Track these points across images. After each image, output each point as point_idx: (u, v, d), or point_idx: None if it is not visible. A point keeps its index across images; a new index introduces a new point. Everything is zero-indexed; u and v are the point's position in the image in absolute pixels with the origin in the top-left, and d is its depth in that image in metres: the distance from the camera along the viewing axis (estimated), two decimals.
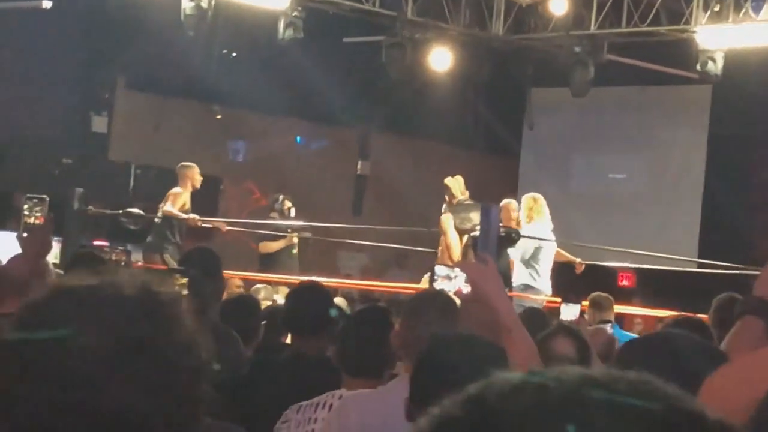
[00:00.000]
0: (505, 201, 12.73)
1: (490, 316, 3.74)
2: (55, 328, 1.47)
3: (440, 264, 12.95)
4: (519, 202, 12.96)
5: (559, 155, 18.99)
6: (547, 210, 12.57)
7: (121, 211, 12.69)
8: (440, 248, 12.92)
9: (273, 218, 13.72)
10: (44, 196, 5.52)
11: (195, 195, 13.31)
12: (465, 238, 12.07)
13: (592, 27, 14.63)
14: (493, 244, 9.88)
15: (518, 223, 12.45)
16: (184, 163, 13.25)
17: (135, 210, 12.85)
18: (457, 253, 12.23)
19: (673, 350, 2.36)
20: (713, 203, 17.49)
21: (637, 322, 14.66)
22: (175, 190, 13.02)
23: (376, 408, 3.86)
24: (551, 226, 12.63)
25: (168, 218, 12.82)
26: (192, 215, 13.05)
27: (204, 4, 13.04)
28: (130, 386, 1.47)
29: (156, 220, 12.98)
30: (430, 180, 18.64)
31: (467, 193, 12.58)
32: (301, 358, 4.86)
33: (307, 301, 5.09)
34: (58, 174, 15.67)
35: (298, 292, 5.24)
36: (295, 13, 13.81)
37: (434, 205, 14.86)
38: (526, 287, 11.94)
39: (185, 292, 4.01)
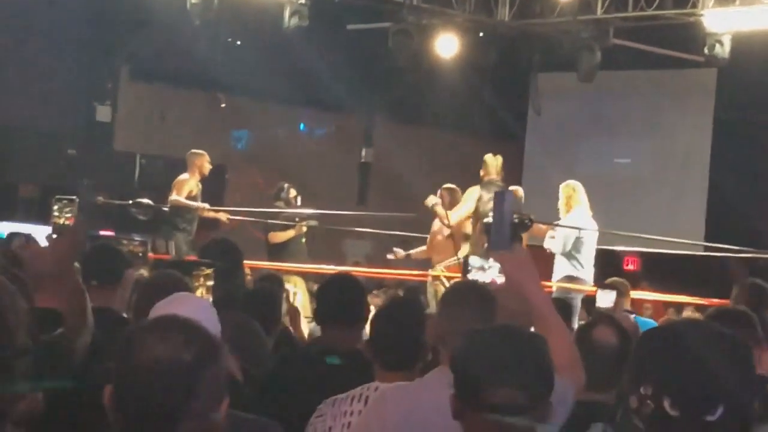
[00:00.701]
0: (512, 188, 12.63)
1: (524, 307, 3.72)
2: None
3: (427, 255, 12.95)
4: (522, 187, 12.86)
5: (565, 140, 18.95)
6: (585, 198, 12.31)
7: (131, 201, 12.65)
8: (430, 237, 12.84)
9: (279, 207, 13.67)
10: (74, 197, 5.47)
11: (201, 184, 13.29)
12: (477, 224, 11.98)
13: (599, 11, 14.55)
14: (506, 231, 9.78)
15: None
16: (193, 151, 13.25)
17: (145, 200, 12.82)
18: (453, 219, 12.06)
19: (690, 341, 2.33)
20: (719, 187, 17.47)
21: (647, 307, 14.67)
22: (182, 177, 13.02)
23: (415, 400, 3.83)
24: (590, 213, 12.42)
25: (177, 207, 12.80)
26: (202, 204, 13.05)
27: None
28: None
29: (165, 209, 12.95)
30: (435, 167, 18.62)
31: (501, 175, 12.42)
32: (333, 352, 4.82)
33: (342, 292, 5.05)
34: (63, 165, 15.62)
35: (331, 284, 5.19)
36: (301, 1, 13.75)
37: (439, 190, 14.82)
38: (570, 278, 11.72)
39: (210, 283, 3.98)
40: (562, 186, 12.39)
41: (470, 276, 8.24)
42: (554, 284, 11.58)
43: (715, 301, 10.78)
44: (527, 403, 2.79)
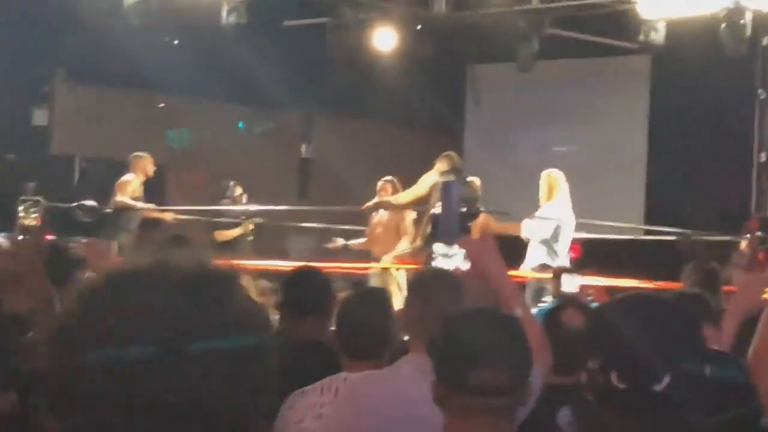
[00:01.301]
0: (470, 178, 12.67)
1: (489, 292, 3.76)
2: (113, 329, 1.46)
3: (366, 247, 12.99)
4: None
5: (504, 131, 19.04)
6: (566, 187, 12.35)
7: (75, 204, 12.58)
8: (370, 230, 12.87)
9: (225, 205, 13.64)
10: (39, 198, 5.42)
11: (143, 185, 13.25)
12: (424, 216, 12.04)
13: (534, 1, 14.67)
14: (454, 221, 9.89)
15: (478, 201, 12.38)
16: (136, 153, 13.22)
17: (89, 202, 12.74)
18: (400, 201, 12.08)
19: (634, 313, 2.38)
20: (656, 172, 17.66)
21: (590, 293, 14.77)
22: (125, 178, 12.98)
23: (386, 388, 3.86)
24: (570, 203, 12.45)
25: (120, 208, 12.75)
26: (147, 204, 13.04)
27: None
28: (186, 374, 1.45)
29: (108, 211, 12.90)
30: (375, 160, 18.64)
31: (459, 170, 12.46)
32: (296, 343, 4.83)
33: (307, 283, 5.07)
34: (1, 169, 15.46)
35: (297, 276, 5.21)
36: None
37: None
38: (544, 267, 11.71)
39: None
40: (544, 174, 12.40)
41: (434, 263, 8.30)
42: (528, 273, 11.59)
43: (660, 284, 10.90)
44: (510, 385, 2.82)
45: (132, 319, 1.47)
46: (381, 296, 4.73)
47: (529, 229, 11.99)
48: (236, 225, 13.41)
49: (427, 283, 3.93)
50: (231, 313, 1.53)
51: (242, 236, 13.41)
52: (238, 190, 13.71)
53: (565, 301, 5.14)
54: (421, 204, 12.31)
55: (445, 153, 12.59)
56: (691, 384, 2.25)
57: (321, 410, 4.21)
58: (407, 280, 8.27)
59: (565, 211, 12.18)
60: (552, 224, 11.88)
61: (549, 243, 11.91)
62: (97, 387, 1.43)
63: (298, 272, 5.33)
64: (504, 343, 2.92)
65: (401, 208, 12.29)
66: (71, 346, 1.47)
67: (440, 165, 12.33)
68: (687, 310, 2.49)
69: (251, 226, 13.52)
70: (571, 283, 8.00)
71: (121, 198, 12.75)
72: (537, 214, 12.12)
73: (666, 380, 2.23)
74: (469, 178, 12.37)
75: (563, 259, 12.01)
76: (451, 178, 11.75)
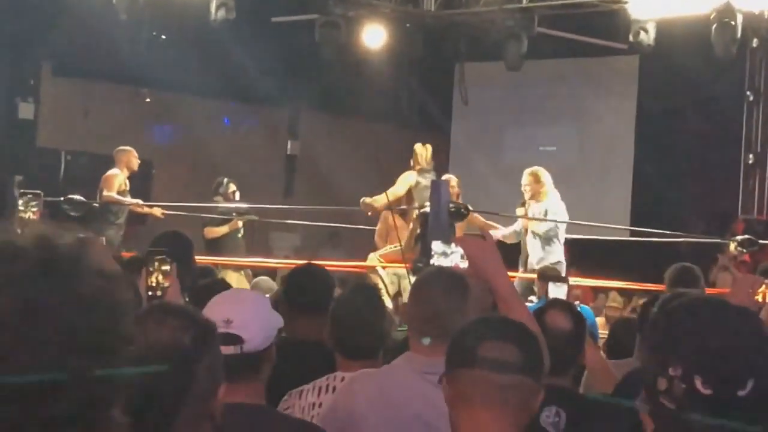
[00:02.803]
0: (446, 176, 12.66)
1: (487, 291, 3.73)
2: None
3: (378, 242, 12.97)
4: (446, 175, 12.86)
5: (491, 129, 19.04)
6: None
7: (62, 198, 12.52)
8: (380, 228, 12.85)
9: (217, 202, 13.63)
10: (39, 191, 5.34)
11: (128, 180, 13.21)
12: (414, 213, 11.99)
13: (524, 0, 14.65)
14: (444, 219, 9.87)
15: (458, 197, 12.35)
16: (120, 147, 13.17)
17: (77, 197, 12.68)
18: (380, 203, 12.09)
19: (711, 318, 2.38)
20: (643, 173, 17.67)
21: (575, 293, 14.78)
22: (111, 172, 12.94)
23: (383, 386, 3.82)
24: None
25: (107, 203, 12.73)
26: (135, 200, 13.02)
27: None
28: (35, 351, 1.41)
29: (95, 205, 12.88)
30: (362, 158, 18.64)
31: (432, 164, 12.46)
32: (295, 342, 4.80)
33: (308, 281, 5.04)
34: None
35: (298, 273, 5.18)
36: None
37: (365, 182, 14.83)
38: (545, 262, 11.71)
39: (166, 268, 3.90)
40: (532, 171, 12.38)
41: (433, 261, 8.28)
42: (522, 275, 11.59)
43: (649, 285, 10.90)
44: (521, 362, 2.79)
45: None
46: (375, 295, 4.70)
47: (539, 226, 11.97)
48: (226, 222, 13.39)
49: (432, 281, 3.88)
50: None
51: (231, 233, 13.37)
52: (232, 188, 13.69)
53: (551, 302, 5.12)
54: (399, 203, 12.31)
55: (416, 146, 12.59)
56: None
57: (319, 410, 4.18)
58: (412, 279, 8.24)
59: (561, 206, 12.20)
60: (547, 222, 11.90)
61: (552, 239, 11.93)
62: None
63: (300, 269, 5.30)
64: (514, 324, 2.92)
65: (381, 209, 12.26)
66: None
67: (411, 162, 12.38)
68: (751, 312, 2.48)
69: (240, 224, 13.49)
70: (557, 292, 8.00)
71: (109, 193, 12.70)
72: (539, 207, 12.11)
73: (750, 385, 2.23)
74: (445, 176, 12.34)
75: (560, 254, 11.98)
76: (429, 175, 11.78)
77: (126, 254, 8.49)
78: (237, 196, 13.69)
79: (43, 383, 1.41)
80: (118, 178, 12.88)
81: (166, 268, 3.88)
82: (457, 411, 2.85)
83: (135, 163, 13.12)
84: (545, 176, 12.26)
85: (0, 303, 1.43)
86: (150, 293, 3.84)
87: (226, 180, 13.78)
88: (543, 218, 12.00)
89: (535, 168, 12.38)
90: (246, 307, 3.43)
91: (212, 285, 5.70)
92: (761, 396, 2.23)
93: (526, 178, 12.29)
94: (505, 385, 2.77)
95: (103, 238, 12.17)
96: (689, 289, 6.89)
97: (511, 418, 2.81)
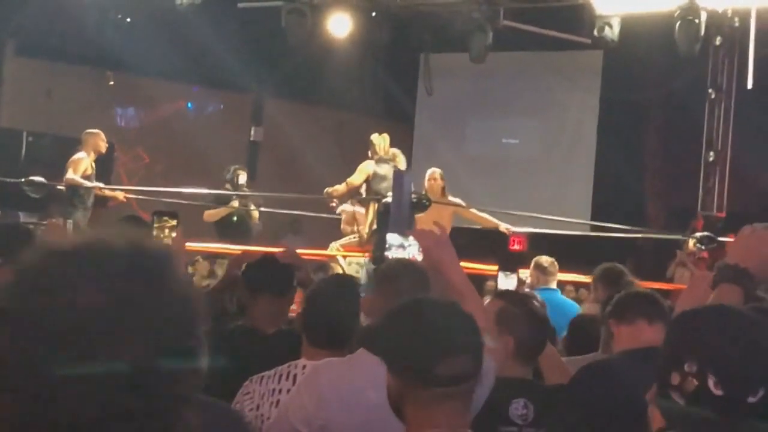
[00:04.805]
0: (431, 169, 12.70)
1: (442, 283, 3.76)
2: (50, 290, 1.45)
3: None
4: (413, 167, 12.94)
5: (455, 120, 19.08)
6: None
7: (23, 179, 12.46)
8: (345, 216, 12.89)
9: (227, 189, 13.82)
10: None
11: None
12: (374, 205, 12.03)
13: None
14: (405, 211, 9.88)
15: (443, 191, 12.39)
16: (88, 130, 13.11)
17: (38, 178, 12.63)
18: (339, 192, 12.15)
19: (737, 321, 2.41)
20: (605, 167, 17.76)
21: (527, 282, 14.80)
22: (78, 155, 12.87)
23: (349, 375, 3.84)
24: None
25: (73, 185, 12.68)
26: (96, 183, 12.97)
27: None
28: (128, 344, 1.45)
29: (59, 188, 12.82)
30: (325, 145, 18.62)
31: (390, 153, 12.50)
32: (258, 329, 4.81)
33: (269, 266, 5.05)
34: None
35: (262, 261, 5.19)
36: None
37: (329, 169, 14.85)
38: None
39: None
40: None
41: (389, 254, 8.29)
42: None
43: None
44: (475, 369, 2.80)
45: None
46: (351, 286, 4.66)
47: None
48: (221, 205, 13.59)
49: (395, 273, 3.90)
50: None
51: (227, 218, 13.55)
52: (242, 178, 13.84)
53: (499, 294, 5.04)
54: (358, 192, 12.37)
55: (372, 136, 12.69)
56: None
57: (279, 396, 4.19)
58: (374, 270, 8.27)
59: None
60: None
61: None
62: None
63: (262, 258, 5.31)
64: (463, 326, 2.85)
65: (340, 198, 12.32)
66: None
67: (369, 152, 12.46)
68: None
69: (236, 204, 13.68)
70: (507, 283, 8.01)
71: (72, 176, 12.64)
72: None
73: (761, 393, 2.26)
74: (430, 170, 12.42)
75: None
76: (386, 165, 11.84)
77: None
78: (242, 179, 13.87)
79: (130, 376, 1.44)
80: (84, 162, 12.83)
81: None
82: (407, 405, 2.85)
83: (102, 146, 13.08)
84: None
85: (93, 298, 1.45)
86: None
87: (233, 168, 13.94)
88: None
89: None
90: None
91: None
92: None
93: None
94: (461, 391, 2.79)
95: (71, 221, 12.20)
96: (617, 285, 6.87)
97: (462, 408, 2.83)
